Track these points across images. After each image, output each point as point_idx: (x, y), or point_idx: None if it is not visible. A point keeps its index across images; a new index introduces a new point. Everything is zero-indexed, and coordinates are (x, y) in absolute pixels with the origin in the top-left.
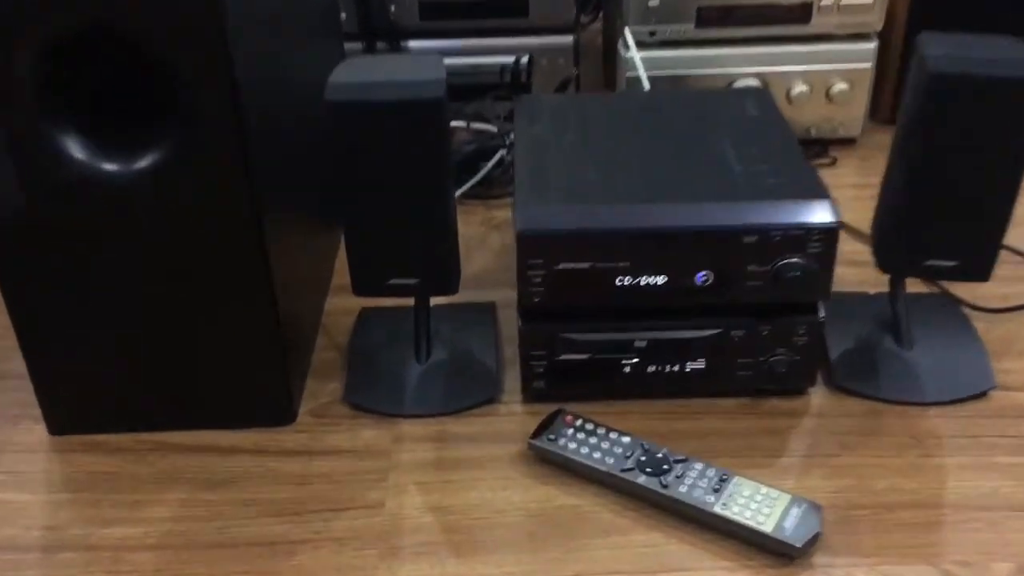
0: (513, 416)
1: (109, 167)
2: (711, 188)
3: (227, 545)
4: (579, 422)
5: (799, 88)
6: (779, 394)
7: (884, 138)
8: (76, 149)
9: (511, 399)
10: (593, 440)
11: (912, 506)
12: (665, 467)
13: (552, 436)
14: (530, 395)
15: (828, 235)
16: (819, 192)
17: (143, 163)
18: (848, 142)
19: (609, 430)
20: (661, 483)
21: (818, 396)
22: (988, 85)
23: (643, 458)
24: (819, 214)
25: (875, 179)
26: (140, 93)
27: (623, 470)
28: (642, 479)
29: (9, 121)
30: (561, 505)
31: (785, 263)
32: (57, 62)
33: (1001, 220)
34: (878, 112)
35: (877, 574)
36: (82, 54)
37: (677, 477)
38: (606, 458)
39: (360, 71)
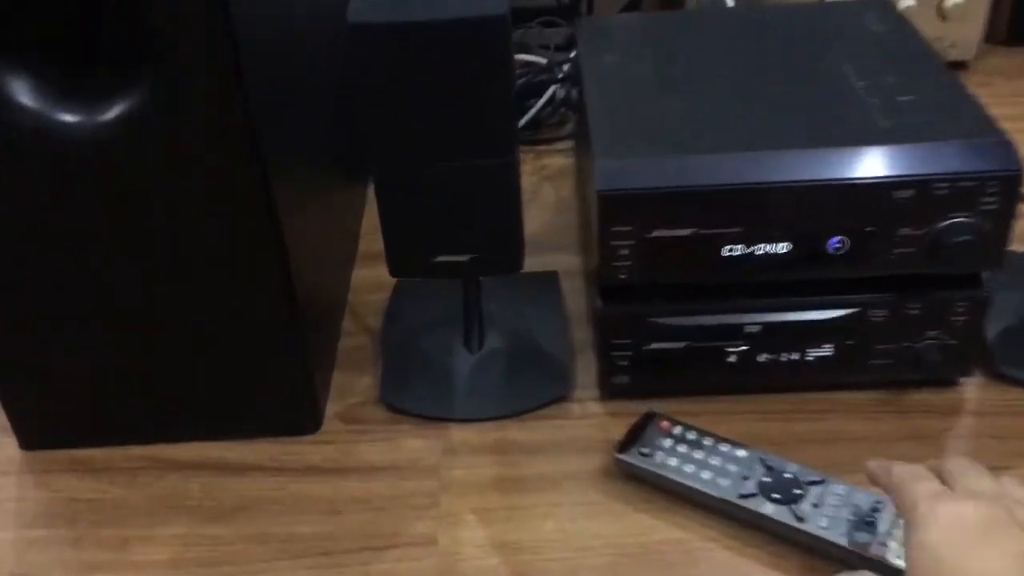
0: (591, 419)
1: (67, 118)
2: (842, 128)
3: None
4: (679, 430)
5: (907, 1)
6: (923, 386)
7: (1001, 62)
8: (24, 94)
9: (586, 396)
10: (699, 454)
11: None
12: (797, 491)
13: (646, 450)
14: (611, 391)
15: (1009, 184)
16: (990, 130)
17: (110, 114)
18: (960, 65)
19: (718, 440)
20: (794, 514)
21: (974, 388)
22: None
23: (767, 479)
24: (995, 156)
25: (999, 110)
26: (104, 26)
27: (742, 496)
28: (769, 508)
29: None
30: (663, 540)
31: (950, 224)
32: None
33: None
34: (994, 33)
35: None
36: None
37: (814, 505)
38: (718, 479)
39: None
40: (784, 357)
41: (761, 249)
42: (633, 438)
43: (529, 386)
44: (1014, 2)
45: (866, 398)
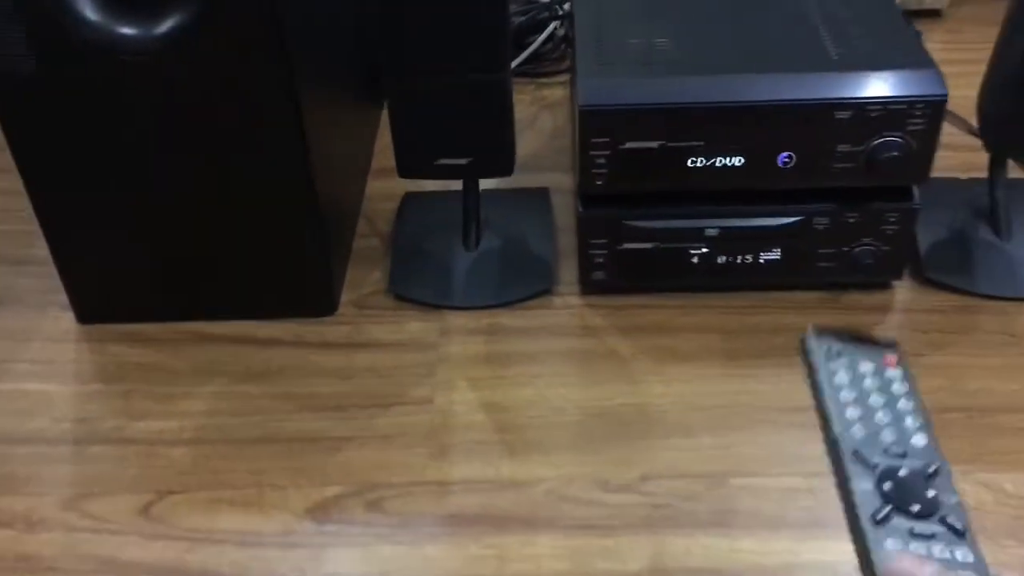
0: (570, 309)
1: (126, 31)
2: (796, 57)
3: (267, 440)
4: (895, 372)
5: None
6: (862, 287)
7: (973, 10)
8: (89, 9)
9: (568, 291)
10: (876, 405)
11: (1009, 410)
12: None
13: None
14: (589, 286)
15: (934, 109)
16: (922, 60)
17: (163, 27)
18: (933, 14)
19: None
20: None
21: (905, 290)
22: None
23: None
24: (923, 84)
25: (964, 55)
26: None
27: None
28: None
29: None
30: (623, 403)
31: (882, 141)
32: None
33: None
34: None
35: (971, 481)
36: None
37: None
38: (855, 431)
39: None
40: (740, 259)
41: (720, 162)
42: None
43: (518, 280)
44: None
45: (811, 297)
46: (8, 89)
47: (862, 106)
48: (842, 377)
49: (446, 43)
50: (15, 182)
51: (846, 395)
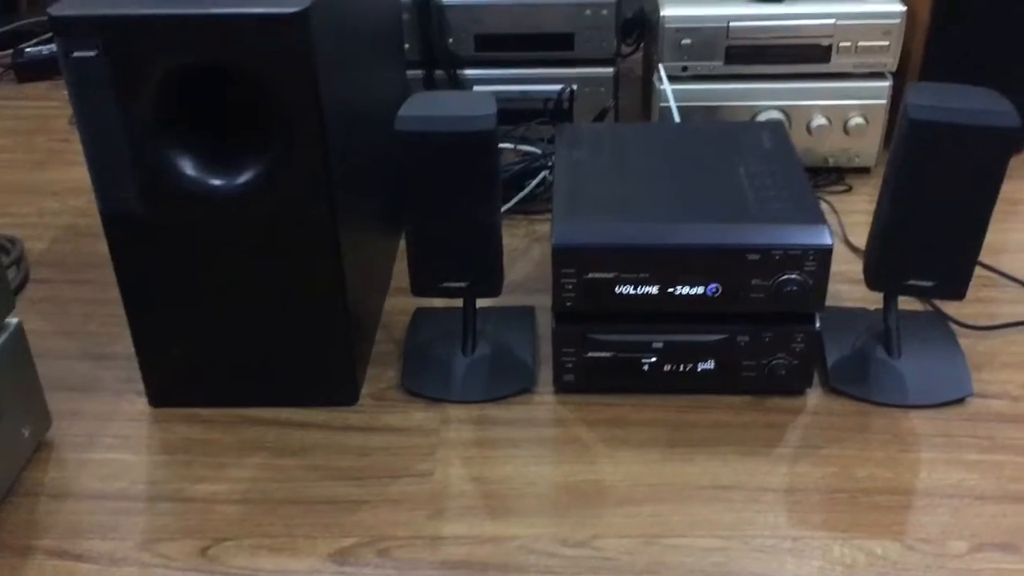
0: (546, 404)
1: (215, 181)
2: (724, 211)
3: (299, 502)
4: None
5: (819, 121)
6: (781, 393)
7: None
8: (188, 167)
9: (544, 390)
10: None
11: (886, 491)
12: None
13: None
14: (561, 387)
15: (822, 255)
16: (816, 217)
17: (243, 178)
18: (863, 171)
19: None
20: None
21: (815, 397)
22: (956, 132)
23: None
24: (815, 236)
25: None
26: (242, 119)
27: None
28: None
29: (135, 142)
30: (584, 479)
31: (784, 279)
32: (174, 93)
33: (974, 247)
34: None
35: (850, 547)
36: (197, 83)
37: None
38: None
39: (424, 106)
40: (681, 367)
41: (663, 290)
42: None
43: (505, 381)
44: None
45: (740, 400)
46: (119, 226)
47: (768, 251)
48: None
49: (451, 193)
50: (101, 291)
51: None
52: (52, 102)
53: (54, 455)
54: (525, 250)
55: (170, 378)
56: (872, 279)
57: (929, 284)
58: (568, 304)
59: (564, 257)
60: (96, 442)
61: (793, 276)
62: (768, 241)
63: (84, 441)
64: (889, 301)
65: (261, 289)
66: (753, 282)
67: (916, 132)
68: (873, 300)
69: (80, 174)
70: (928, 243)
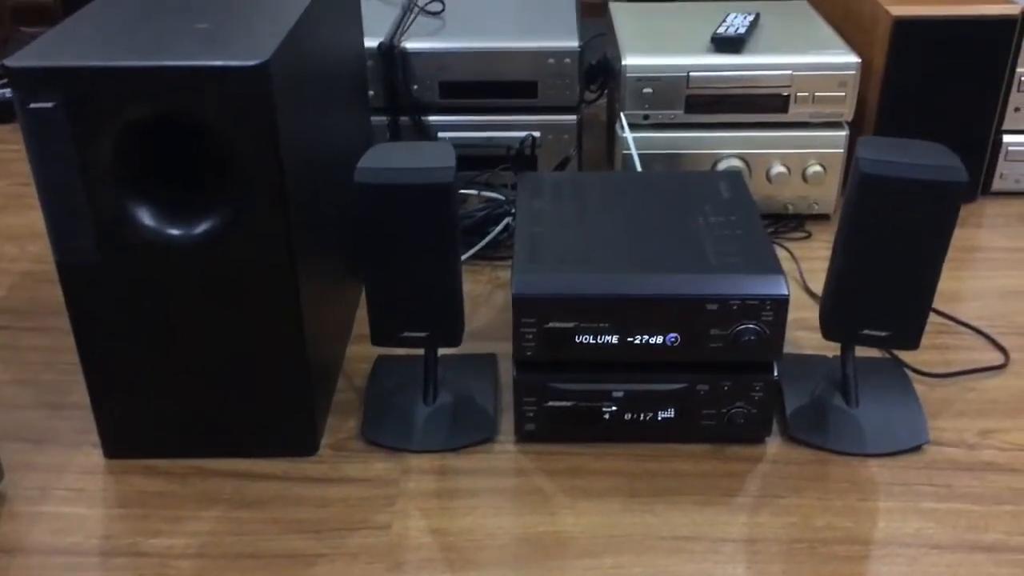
0: (507, 454)
1: (173, 231)
2: (683, 261)
3: (256, 556)
4: None
5: (778, 169)
6: (740, 441)
7: None
8: (146, 216)
9: (506, 439)
10: None
11: (845, 541)
12: None
13: None
14: (522, 436)
15: (779, 305)
16: (773, 267)
17: (201, 228)
18: (822, 218)
19: None
20: None
21: (774, 445)
22: (906, 186)
23: None
24: (772, 287)
25: None
26: (200, 169)
27: None
28: None
29: (93, 193)
30: (544, 531)
31: (742, 328)
32: (132, 143)
33: (927, 298)
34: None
35: None
36: (153, 136)
37: None
38: None
39: (384, 157)
40: (642, 416)
41: (622, 339)
42: None
43: (466, 430)
44: None
45: (700, 448)
46: (74, 274)
47: (726, 301)
48: None
49: (409, 245)
50: (59, 339)
51: None
52: (12, 145)
53: (6, 508)
54: (488, 296)
55: (126, 429)
56: (827, 329)
57: (883, 334)
58: (529, 353)
59: (524, 306)
60: (49, 495)
61: (751, 325)
62: (726, 291)
63: (37, 494)
64: (846, 349)
65: (219, 339)
66: (712, 331)
67: (867, 185)
68: (831, 347)
69: (39, 219)
70: (881, 294)
